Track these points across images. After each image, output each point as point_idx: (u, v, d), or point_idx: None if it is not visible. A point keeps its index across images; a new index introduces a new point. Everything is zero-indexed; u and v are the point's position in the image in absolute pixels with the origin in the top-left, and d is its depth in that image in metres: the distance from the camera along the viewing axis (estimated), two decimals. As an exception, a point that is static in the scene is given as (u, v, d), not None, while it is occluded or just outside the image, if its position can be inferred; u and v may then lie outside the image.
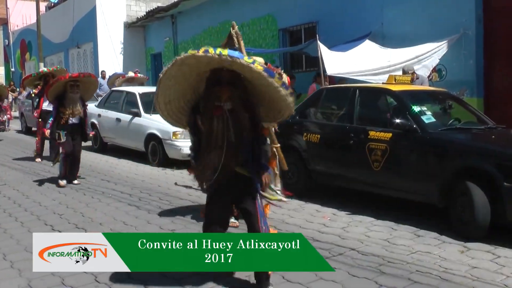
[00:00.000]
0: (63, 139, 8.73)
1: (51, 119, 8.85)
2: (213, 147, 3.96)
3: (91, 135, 10.20)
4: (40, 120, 11.51)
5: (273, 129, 6.46)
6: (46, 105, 11.16)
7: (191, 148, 4.42)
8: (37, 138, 12.12)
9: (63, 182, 8.87)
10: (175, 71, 3.88)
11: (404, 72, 9.23)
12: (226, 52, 3.57)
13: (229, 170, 4.04)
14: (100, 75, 19.22)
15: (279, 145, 6.40)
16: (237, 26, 5.97)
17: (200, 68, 3.93)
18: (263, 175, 4.20)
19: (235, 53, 3.64)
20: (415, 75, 9.37)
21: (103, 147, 13.21)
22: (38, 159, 11.88)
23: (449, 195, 5.87)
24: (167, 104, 4.22)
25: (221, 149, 3.95)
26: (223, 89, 3.92)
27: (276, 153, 6.34)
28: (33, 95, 12.53)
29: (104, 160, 11.95)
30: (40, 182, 9.33)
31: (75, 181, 9.06)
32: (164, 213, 6.93)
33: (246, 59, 3.65)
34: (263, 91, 4.00)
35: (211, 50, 3.53)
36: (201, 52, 3.57)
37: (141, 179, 9.57)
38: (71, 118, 8.78)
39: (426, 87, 8.71)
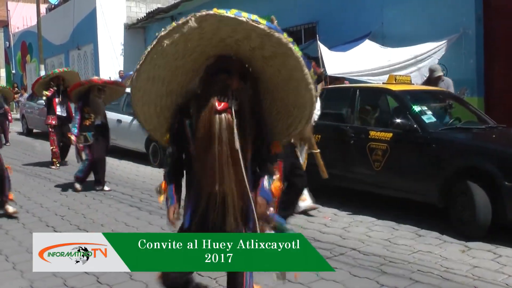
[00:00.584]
0: (90, 141, 8.47)
1: (77, 122, 8.46)
2: (210, 160, 2.70)
3: None
4: (53, 126, 11.03)
5: (312, 133, 6.39)
6: (60, 111, 11.01)
7: (166, 172, 3.10)
8: (53, 147, 11.13)
9: (79, 186, 8.57)
10: (173, 41, 2.57)
11: (432, 72, 9.03)
12: (264, 21, 2.52)
13: (225, 197, 2.77)
14: (118, 75, 19.13)
15: (318, 150, 6.35)
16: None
17: (202, 50, 2.74)
18: (258, 201, 2.92)
19: (273, 25, 2.59)
20: (441, 76, 9.12)
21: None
22: (56, 166, 11.13)
23: (449, 195, 5.88)
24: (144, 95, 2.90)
25: (219, 165, 2.70)
26: (232, 78, 2.73)
27: (317, 159, 6.25)
28: (44, 97, 11.46)
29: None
30: (42, 184, 9.34)
31: (106, 188, 8.70)
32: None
33: (286, 36, 2.65)
34: (278, 95, 2.94)
35: (244, 14, 2.46)
36: (231, 13, 2.43)
37: (142, 180, 9.58)
38: (95, 119, 8.57)
39: (426, 87, 8.70)
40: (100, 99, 8.65)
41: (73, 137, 8.52)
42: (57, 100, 11.05)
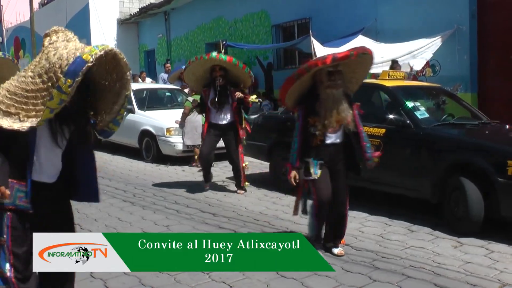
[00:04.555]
0: (314, 175, 4.92)
1: (296, 143, 5.02)
2: None
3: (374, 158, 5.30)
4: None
5: None
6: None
7: None
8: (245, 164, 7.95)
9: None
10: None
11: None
12: None
13: None
14: (164, 69, 16.89)
15: None
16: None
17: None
18: None
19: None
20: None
21: (97, 144, 13.16)
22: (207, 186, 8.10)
23: (442, 191, 5.89)
24: None
25: None
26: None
27: None
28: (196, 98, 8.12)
29: (98, 156, 11.80)
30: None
31: (338, 250, 5.08)
32: (159, 209, 6.93)
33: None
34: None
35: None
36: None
37: (135, 175, 9.56)
38: (329, 135, 5.00)
39: (419, 83, 8.69)
40: (338, 89, 4.91)
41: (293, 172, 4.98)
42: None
